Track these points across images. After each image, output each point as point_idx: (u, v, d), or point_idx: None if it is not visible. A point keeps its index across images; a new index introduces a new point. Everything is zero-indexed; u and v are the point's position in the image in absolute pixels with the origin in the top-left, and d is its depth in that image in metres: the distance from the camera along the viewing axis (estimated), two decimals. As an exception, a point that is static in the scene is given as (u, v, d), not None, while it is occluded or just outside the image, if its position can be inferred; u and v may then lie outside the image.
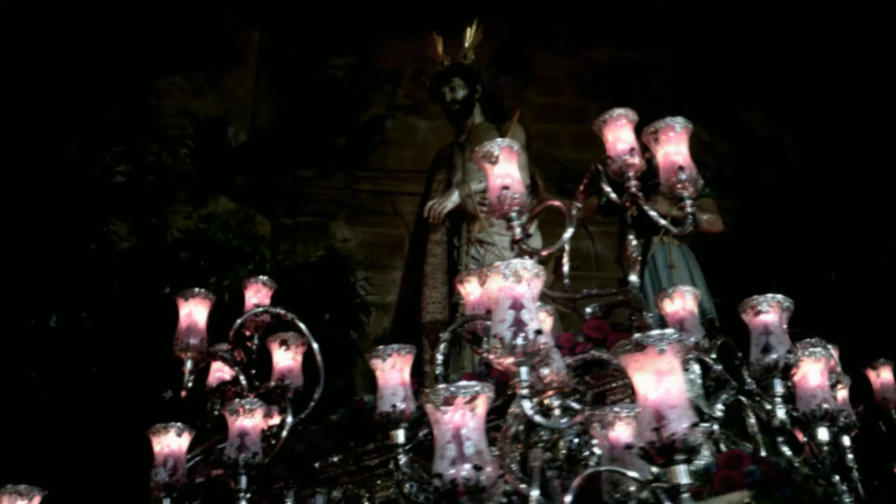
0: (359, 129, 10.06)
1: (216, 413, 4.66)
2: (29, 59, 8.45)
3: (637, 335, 2.30)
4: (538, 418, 2.64)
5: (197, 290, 4.51)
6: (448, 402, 2.31)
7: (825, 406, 3.46)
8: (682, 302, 3.93)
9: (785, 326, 3.36)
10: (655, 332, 2.28)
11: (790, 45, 9.77)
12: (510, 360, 2.54)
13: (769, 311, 3.35)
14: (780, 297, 3.37)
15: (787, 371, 3.28)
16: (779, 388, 3.27)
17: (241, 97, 9.93)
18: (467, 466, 2.26)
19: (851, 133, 9.32)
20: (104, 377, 7.11)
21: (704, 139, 8.62)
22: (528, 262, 2.62)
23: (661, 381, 2.27)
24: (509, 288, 2.59)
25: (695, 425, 2.23)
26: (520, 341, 2.53)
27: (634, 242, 3.84)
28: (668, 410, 2.25)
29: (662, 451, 2.23)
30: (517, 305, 2.57)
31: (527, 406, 2.56)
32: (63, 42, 8.64)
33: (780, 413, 3.28)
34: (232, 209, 9.00)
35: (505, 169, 3.55)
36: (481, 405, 2.34)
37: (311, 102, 9.93)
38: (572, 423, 2.83)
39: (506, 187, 3.50)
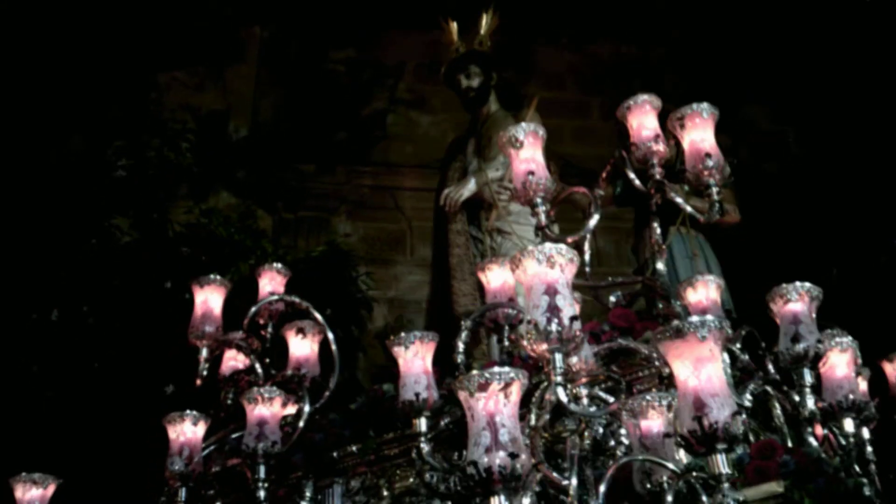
0: (360, 123, 10.01)
1: (229, 402, 4.62)
2: (30, 55, 8.40)
3: (677, 322, 2.24)
4: (573, 406, 2.59)
5: (213, 276, 4.48)
6: (482, 388, 2.26)
7: (851, 397, 3.42)
8: (706, 291, 3.88)
9: (814, 316, 3.31)
10: (695, 318, 2.23)
11: (792, 39, 9.75)
12: (544, 346, 2.49)
13: (798, 300, 3.31)
14: (808, 285, 3.33)
15: (816, 360, 3.23)
16: (808, 377, 3.22)
17: (243, 92, 9.90)
18: (502, 454, 2.21)
19: (853, 129, 9.29)
20: (106, 372, 7.06)
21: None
22: (562, 247, 2.56)
23: (702, 368, 2.23)
24: (543, 273, 2.54)
25: (736, 413, 2.18)
26: (554, 327, 2.48)
27: (659, 231, 3.79)
28: (710, 398, 2.20)
29: (704, 439, 2.18)
30: (551, 291, 2.52)
31: (562, 393, 2.50)
32: (64, 37, 8.60)
33: (810, 403, 3.23)
34: (233, 204, 8.97)
35: (530, 154, 3.50)
36: (515, 392, 2.30)
37: (312, 97, 9.88)
38: (607, 412, 2.77)
39: (531, 172, 3.45)
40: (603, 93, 10.19)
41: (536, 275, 2.54)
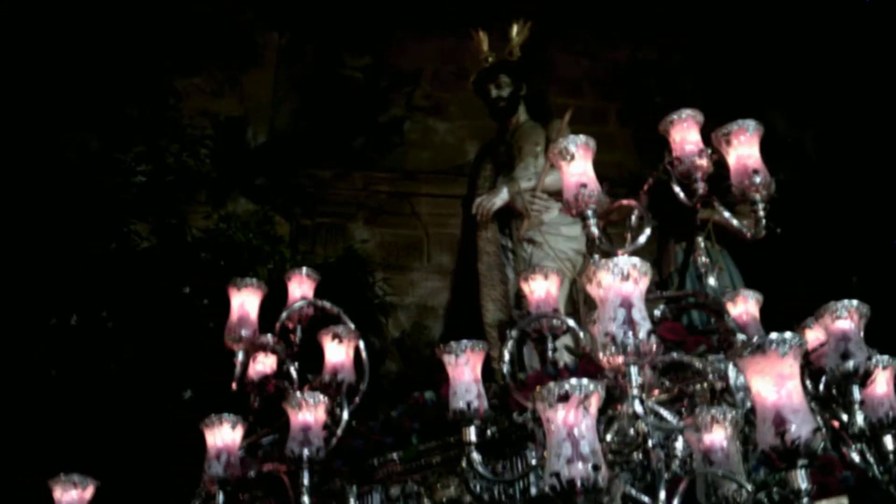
0: (377, 130, 10.03)
1: (256, 406, 4.61)
2: (50, 60, 8.42)
3: (758, 338, 2.26)
4: (652, 419, 2.61)
5: (249, 280, 4.44)
6: (562, 399, 2.28)
7: (891, 414, 3.43)
8: (745, 306, 3.91)
9: (862, 333, 3.32)
10: (776, 334, 2.25)
11: (811, 45, 9.75)
12: (621, 359, 2.50)
13: (847, 318, 3.32)
14: (856, 302, 3.34)
15: (866, 378, 3.24)
16: (857, 394, 3.23)
17: (261, 98, 9.92)
18: (584, 466, 2.22)
19: (873, 133, 9.31)
20: (124, 376, 7.08)
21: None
22: (637, 260, 2.58)
23: (783, 384, 2.25)
24: (618, 286, 2.55)
25: (817, 430, 2.21)
26: (631, 340, 2.50)
27: (703, 246, 3.82)
28: (791, 414, 2.22)
29: (785, 455, 2.20)
30: (627, 304, 2.54)
31: (639, 406, 2.52)
32: (84, 42, 8.62)
33: (860, 420, 3.23)
34: (251, 210, 8.97)
35: (581, 167, 3.51)
36: (594, 404, 2.31)
37: (329, 103, 9.90)
38: (683, 426, 2.78)
39: (583, 185, 3.45)
40: (620, 99, 10.23)
41: (611, 287, 2.56)
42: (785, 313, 3.76)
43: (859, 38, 9.55)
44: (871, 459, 3.28)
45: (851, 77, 9.62)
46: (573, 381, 2.29)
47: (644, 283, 2.59)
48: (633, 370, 2.50)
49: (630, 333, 2.50)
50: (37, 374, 6.99)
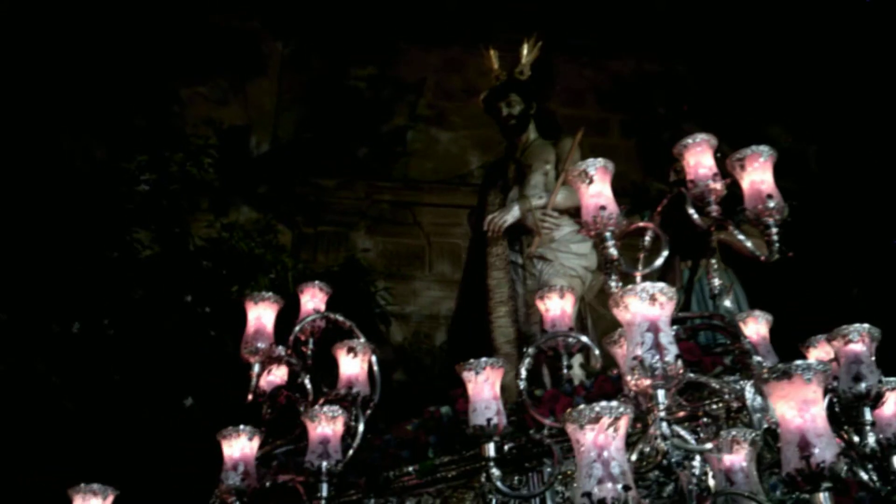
0: (380, 139, 10.10)
1: (268, 417, 4.64)
2: (55, 68, 8.44)
3: (782, 364, 2.33)
4: (675, 440, 2.67)
5: (266, 294, 4.49)
6: (593, 421, 2.33)
7: (900, 435, 3.50)
8: (756, 326, 3.96)
9: (874, 356, 3.38)
10: (801, 361, 2.31)
11: (813, 56, 9.80)
12: (648, 382, 2.56)
13: (859, 341, 3.37)
14: (868, 326, 3.39)
15: (877, 400, 3.29)
16: (868, 416, 3.29)
17: (264, 107, 9.98)
18: (614, 486, 2.28)
19: (874, 144, 9.34)
20: (125, 384, 7.10)
21: (726, 152, 8.58)
22: (663, 286, 2.63)
23: (807, 409, 2.32)
24: (646, 311, 2.61)
25: (841, 454, 2.27)
26: (659, 364, 2.55)
27: (716, 267, 3.86)
28: (815, 439, 2.30)
29: (810, 478, 2.27)
30: (654, 328, 2.60)
31: (665, 428, 2.58)
32: (89, 51, 8.64)
33: (871, 440, 3.29)
34: (253, 218, 9.03)
35: (600, 188, 3.55)
36: (623, 426, 2.37)
37: (333, 112, 9.97)
38: (709, 448, 2.84)
39: (602, 207, 3.49)
40: (624, 110, 10.28)
41: (639, 312, 2.62)
42: (788, 329, 3.83)
43: (860, 46, 9.61)
44: (876, 478, 3.35)
45: (854, 87, 9.66)
46: (604, 403, 2.35)
47: (670, 307, 2.65)
48: (660, 393, 2.57)
49: (657, 357, 2.56)
50: (39, 380, 6.99)
